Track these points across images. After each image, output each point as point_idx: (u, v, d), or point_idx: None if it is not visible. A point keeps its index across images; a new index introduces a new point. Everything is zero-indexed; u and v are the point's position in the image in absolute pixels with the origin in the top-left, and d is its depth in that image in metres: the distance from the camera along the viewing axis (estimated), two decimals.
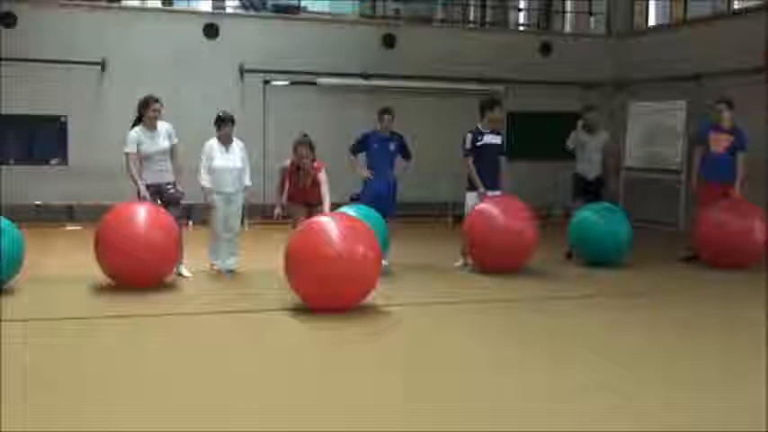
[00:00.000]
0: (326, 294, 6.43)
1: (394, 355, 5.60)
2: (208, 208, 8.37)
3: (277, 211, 8.14)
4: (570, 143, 9.85)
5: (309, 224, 6.88)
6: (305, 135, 8.00)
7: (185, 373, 5.05)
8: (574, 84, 14.40)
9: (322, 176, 7.89)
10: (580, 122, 9.83)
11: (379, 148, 9.09)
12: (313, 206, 7.91)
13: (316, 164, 7.93)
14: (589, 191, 9.73)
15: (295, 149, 7.91)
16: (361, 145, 9.22)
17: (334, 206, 8.33)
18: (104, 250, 7.35)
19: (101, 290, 7.39)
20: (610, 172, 10.43)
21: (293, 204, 8.10)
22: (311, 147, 7.90)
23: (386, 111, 9.15)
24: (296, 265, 6.57)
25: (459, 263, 8.97)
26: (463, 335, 6.16)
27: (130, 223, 7.39)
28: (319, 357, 5.49)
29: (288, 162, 8.08)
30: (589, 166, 9.75)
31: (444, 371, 5.17)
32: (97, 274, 7.53)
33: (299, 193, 8.04)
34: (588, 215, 9.17)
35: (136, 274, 7.30)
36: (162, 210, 7.74)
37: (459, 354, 5.63)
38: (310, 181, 7.94)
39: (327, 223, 6.70)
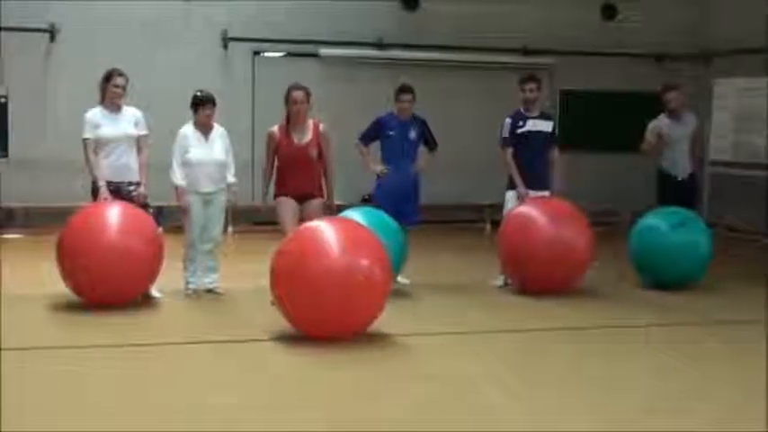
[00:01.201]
0: (322, 319, 6.53)
1: (413, 412, 5.38)
2: (181, 211, 8.48)
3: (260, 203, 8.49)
4: (647, 145, 9.75)
5: (300, 232, 7.02)
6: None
7: (154, 417, 5.20)
8: (644, 56, 14.44)
9: (323, 130, 8.21)
10: (664, 114, 9.69)
11: (396, 137, 9.22)
12: (306, 199, 8.09)
13: (312, 121, 8.18)
14: (679, 193, 9.65)
15: (287, 96, 8.11)
16: (374, 132, 9.35)
17: (339, 209, 8.46)
18: (70, 263, 7.61)
19: (57, 312, 7.64)
20: (700, 168, 10.26)
21: (282, 199, 8.17)
22: (308, 94, 8.14)
23: (405, 89, 9.28)
24: (284, 283, 6.70)
25: (499, 281, 9.03)
26: (493, 377, 6.15)
27: (104, 229, 7.63)
28: (321, 401, 5.52)
29: (275, 128, 8.23)
30: (678, 162, 9.71)
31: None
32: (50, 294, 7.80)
33: (291, 179, 8.13)
34: (655, 223, 9.18)
35: (109, 291, 7.56)
36: (141, 211, 8.00)
37: (489, 400, 5.69)
38: (308, 139, 8.13)
39: (323, 231, 6.77)
